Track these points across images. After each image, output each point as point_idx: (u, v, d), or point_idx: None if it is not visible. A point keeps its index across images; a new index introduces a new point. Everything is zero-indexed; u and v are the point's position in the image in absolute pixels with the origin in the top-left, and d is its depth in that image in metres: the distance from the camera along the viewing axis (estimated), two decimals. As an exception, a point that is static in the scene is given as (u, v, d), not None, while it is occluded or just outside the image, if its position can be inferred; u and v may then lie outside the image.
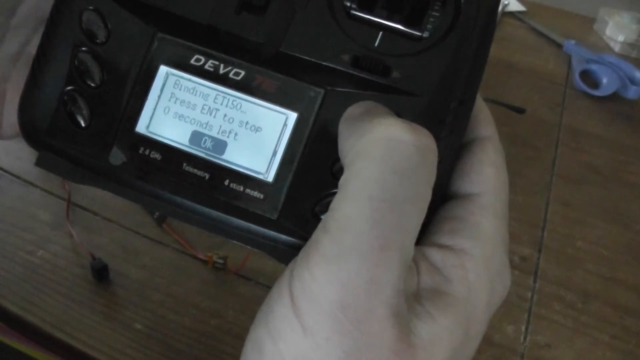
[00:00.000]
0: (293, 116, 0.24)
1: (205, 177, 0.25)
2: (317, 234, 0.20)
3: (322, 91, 0.24)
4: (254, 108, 0.24)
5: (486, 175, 0.23)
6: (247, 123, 0.25)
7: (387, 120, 0.20)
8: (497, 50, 0.88)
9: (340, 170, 0.22)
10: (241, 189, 0.25)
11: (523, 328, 0.44)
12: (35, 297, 0.42)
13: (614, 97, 0.78)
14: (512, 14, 1.03)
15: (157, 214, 0.48)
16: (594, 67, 0.80)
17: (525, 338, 0.43)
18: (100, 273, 0.43)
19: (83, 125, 0.26)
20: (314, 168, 0.24)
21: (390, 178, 0.19)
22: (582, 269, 0.50)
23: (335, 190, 0.22)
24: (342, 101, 0.24)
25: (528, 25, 0.99)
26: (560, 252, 0.52)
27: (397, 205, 0.19)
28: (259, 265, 0.45)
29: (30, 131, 0.27)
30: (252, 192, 0.25)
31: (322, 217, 0.22)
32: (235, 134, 0.25)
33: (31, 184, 0.50)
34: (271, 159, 0.24)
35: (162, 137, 0.25)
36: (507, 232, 0.23)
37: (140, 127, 0.25)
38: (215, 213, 0.25)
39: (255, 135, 0.25)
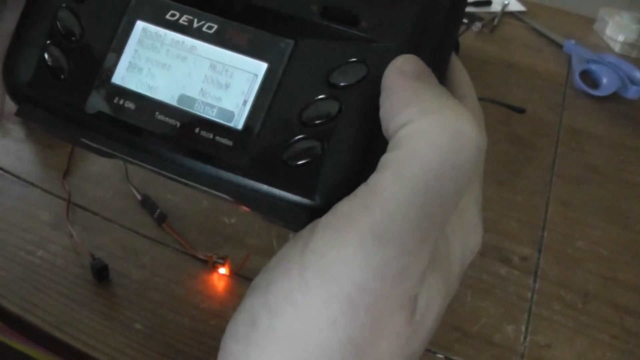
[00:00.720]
0: (263, 67, 0.25)
1: (176, 125, 0.26)
2: (354, 208, 0.19)
3: (291, 42, 0.25)
4: (225, 59, 0.26)
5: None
6: (218, 74, 0.26)
7: (457, 108, 0.20)
8: (497, 50, 0.88)
9: (310, 119, 0.24)
10: (211, 136, 0.26)
11: (523, 328, 0.44)
12: (35, 297, 0.42)
13: (614, 97, 0.78)
14: (512, 14, 1.03)
15: (157, 214, 0.48)
16: (594, 67, 0.80)
17: (525, 338, 0.43)
18: (100, 273, 0.43)
19: (62, 77, 0.27)
20: (283, 116, 0.25)
21: (450, 173, 0.18)
22: (582, 269, 0.50)
23: (303, 136, 0.24)
24: (311, 51, 0.25)
25: (528, 25, 0.99)
26: (560, 252, 0.52)
27: (447, 200, 0.18)
28: (259, 265, 0.45)
29: (13, 85, 0.28)
30: (222, 139, 0.25)
31: (298, 164, 0.24)
32: (207, 84, 0.26)
33: (31, 184, 0.50)
34: (241, 108, 0.25)
35: (137, 88, 0.26)
36: (481, 191, 0.23)
37: (116, 79, 0.27)
38: (185, 159, 0.26)
39: (226, 86, 0.26)
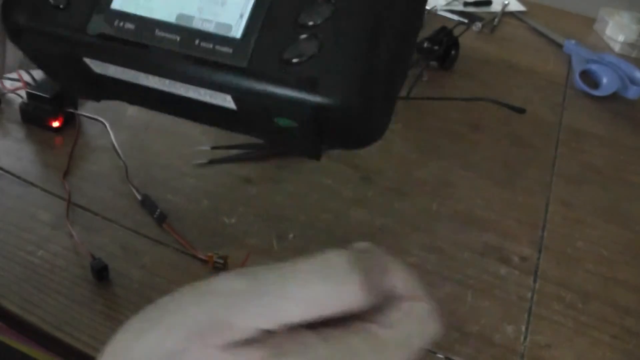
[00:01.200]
0: None
1: (176, 39, 0.28)
2: None
3: None
4: None
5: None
6: None
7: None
8: (497, 50, 0.88)
9: (307, 21, 0.26)
10: (211, 46, 0.27)
11: (523, 328, 0.44)
12: (35, 297, 0.42)
13: (614, 97, 0.78)
14: (512, 14, 1.03)
15: (157, 213, 0.48)
16: (594, 67, 0.80)
17: (525, 338, 0.43)
18: (100, 273, 0.43)
19: (61, 7, 0.29)
20: (280, 22, 0.27)
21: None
22: (582, 269, 0.50)
23: (305, 36, 0.26)
24: None
25: (528, 25, 0.99)
26: (560, 252, 0.52)
27: None
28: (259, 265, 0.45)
29: (13, 23, 0.30)
30: (222, 48, 0.27)
31: (299, 61, 0.26)
32: (204, 3, 0.28)
33: (31, 184, 0.50)
34: (238, 20, 0.27)
35: (136, 11, 0.28)
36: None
37: (115, 5, 0.29)
38: (188, 67, 0.28)
39: (222, 3, 0.28)
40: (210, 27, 0.28)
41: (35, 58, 0.33)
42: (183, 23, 0.28)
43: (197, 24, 0.28)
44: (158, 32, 0.28)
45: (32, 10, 0.30)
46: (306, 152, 0.34)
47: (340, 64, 0.26)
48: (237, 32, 0.27)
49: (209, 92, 0.29)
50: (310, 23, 0.26)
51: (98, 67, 0.31)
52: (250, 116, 0.30)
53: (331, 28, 0.26)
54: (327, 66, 0.26)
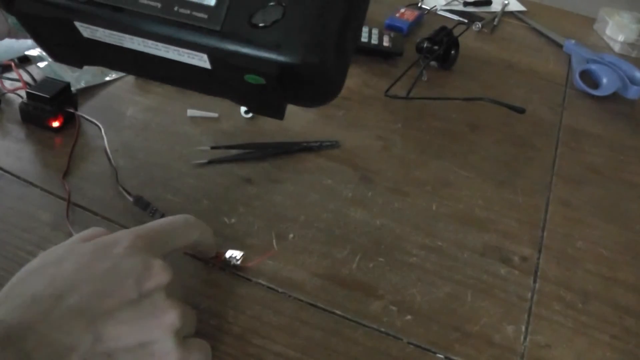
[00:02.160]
0: None
1: (157, 5, 0.32)
2: None
3: None
4: None
5: None
6: None
7: None
8: (497, 50, 0.88)
9: None
10: (188, 12, 0.31)
11: (523, 328, 0.44)
12: (35, 297, 0.42)
13: (614, 97, 0.78)
14: (512, 14, 1.03)
15: (151, 213, 0.48)
16: (594, 67, 0.80)
17: (525, 338, 0.43)
18: (100, 273, 0.43)
19: None
20: None
21: None
22: (582, 269, 0.50)
23: (271, 3, 0.30)
24: None
25: (528, 25, 0.99)
26: (560, 252, 0.52)
27: None
28: (259, 265, 0.45)
29: None
30: (198, 13, 0.31)
31: (265, 25, 0.30)
32: None
33: (31, 184, 0.50)
34: None
35: None
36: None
37: None
38: (168, 29, 0.32)
39: None
40: None
41: (26, 23, 0.35)
42: None
43: None
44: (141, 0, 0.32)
45: None
46: (272, 110, 0.39)
47: (300, 28, 0.30)
48: (211, 0, 0.32)
49: (187, 51, 0.33)
50: None
51: (86, 30, 0.34)
52: (223, 75, 0.34)
53: None
54: (289, 30, 0.30)
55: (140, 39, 0.33)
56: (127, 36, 0.33)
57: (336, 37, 0.32)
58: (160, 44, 0.33)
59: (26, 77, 0.60)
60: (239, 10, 0.31)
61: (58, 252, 0.34)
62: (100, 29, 0.34)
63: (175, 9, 0.32)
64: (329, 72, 0.32)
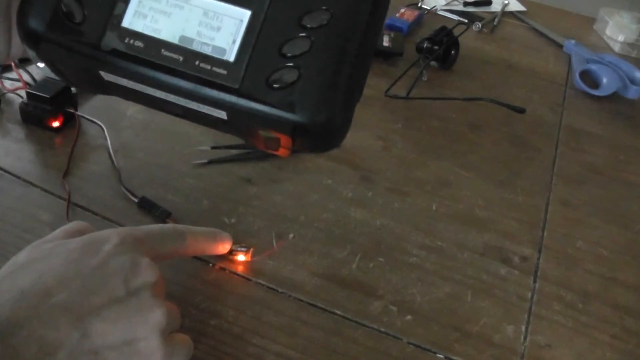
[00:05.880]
0: (247, 14, 0.32)
1: (179, 59, 0.33)
2: None
3: None
4: (216, 8, 0.32)
5: None
6: (210, 20, 0.32)
7: None
8: (497, 50, 0.88)
9: (288, 52, 0.32)
10: (209, 67, 0.32)
11: (523, 328, 0.44)
12: (35, 297, 0.42)
13: (614, 97, 0.78)
14: (512, 14, 1.03)
15: (157, 213, 0.48)
16: (594, 67, 0.80)
17: (525, 338, 0.43)
18: (100, 273, 0.43)
19: (78, 21, 0.33)
20: (266, 51, 0.32)
21: None
22: (582, 269, 0.50)
23: (284, 66, 0.32)
24: (287, 1, 0.32)
25: (528, 25, 0.99)
26: (560, 252, 0.52)
27: None
28: (259, 265, 0.45)
29: (29, 30, 0.34)
30: (218, 69, 0.32)
31: (281, 87, 0.32)
32: (202, 28, 0.32)
33: (31, 184, 0.50)
34: (231, 45, 0.32)
35: (144, 30, 0.33)
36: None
37: (125, 23, 0.33)
38: (188, 84, 0.33)
39: (218, 29, 0.32)
40: (208, 50, 0.32)
41: (49, 62, 0.36)
42: (185, 45, 0.32)
43: (197, 46, 0.32)
44: (164, 52, 0.32)
45: (50, 22, 0.33)
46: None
47: (314, 92, 0.32)
48: (231, 56, 0.32)
49: (206, 106, 0.34)
50: (291, 54, 0.32)
51: (109, 76, 0.35)
52: (239, 126, 0.36)
53: (308, 60, 0.32)
54: (303, 92, 0.32)
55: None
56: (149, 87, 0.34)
57: (346, 95, 0.33)
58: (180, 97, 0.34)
59: (26, 77, 0.60)
60: (256, 68, 0.32)
61: (46, 247, 0.34)
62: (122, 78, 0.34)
63: (197, 63, 0.32)
64: (336, 129, 0.34)
